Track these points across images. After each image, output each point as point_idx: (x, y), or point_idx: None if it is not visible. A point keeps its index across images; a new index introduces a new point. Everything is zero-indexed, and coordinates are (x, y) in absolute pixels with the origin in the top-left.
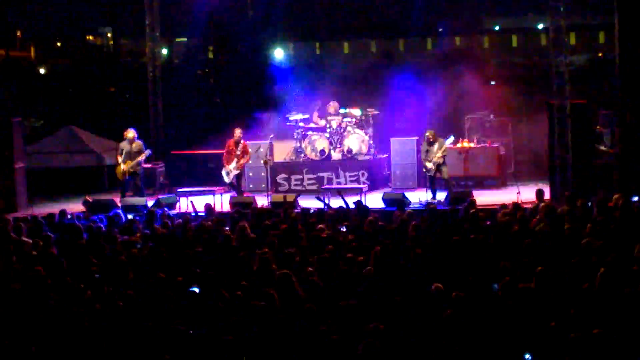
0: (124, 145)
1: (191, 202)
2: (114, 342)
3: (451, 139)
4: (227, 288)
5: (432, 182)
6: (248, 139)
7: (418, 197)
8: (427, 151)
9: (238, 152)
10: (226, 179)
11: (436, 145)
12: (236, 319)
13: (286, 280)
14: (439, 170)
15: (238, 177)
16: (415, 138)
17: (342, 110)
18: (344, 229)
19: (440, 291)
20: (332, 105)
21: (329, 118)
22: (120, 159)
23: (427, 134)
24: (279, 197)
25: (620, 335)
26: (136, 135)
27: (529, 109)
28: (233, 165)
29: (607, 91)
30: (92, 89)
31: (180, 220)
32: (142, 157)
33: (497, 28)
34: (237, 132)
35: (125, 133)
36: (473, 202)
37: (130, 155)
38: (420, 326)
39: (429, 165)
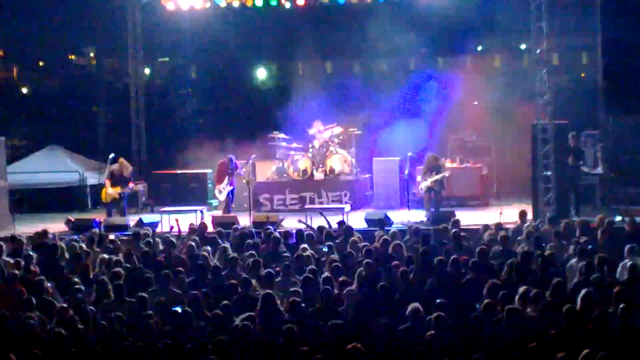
0: (116, 168)
1: (176, 220)
2: None
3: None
4: (209, 308)
5: (425, 201)
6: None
7: (400, 216)
8: (425, 173)
9: (229, 171)
10: (220, 197)
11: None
12: (218, 339)
13: (269, 300)
14: (433, 192)
15: (232, 194)
16: (398, 158)
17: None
18: (326, 249)
19: (417, 312)
20: (316, 126)
21: (312, 137)
22: (108, 182)
23: (430, 156)
24: (261, 217)
25: (604, 356)
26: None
27: (512, 129)
28: (224, 183)
29: (590, 112)
30: (74, 109)
31: (162, 239)
32: (130, 185)
33: (479, 49)
34: (229, 156)
35: (120, 158)
36: (457, 222)
37: (121, 180)
38: (403, 346)
39: (423, 185)
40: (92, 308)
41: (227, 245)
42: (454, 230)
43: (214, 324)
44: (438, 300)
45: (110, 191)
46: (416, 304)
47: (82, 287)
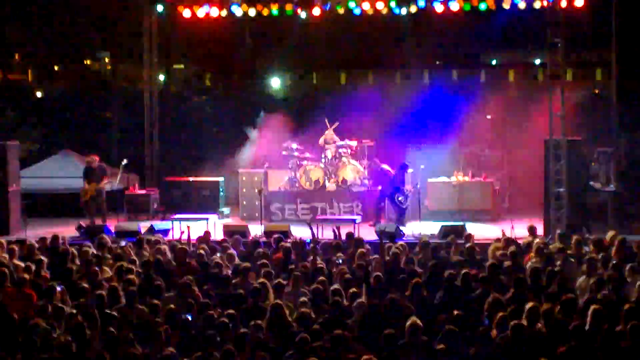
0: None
1: (187, 228)
2: None
3: None
4: (219, 316)
5: None
6: (242, 168)
7: (411, 229)
8: None
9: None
10: None
11: None
12: (228, 348)
13: (277, 311)
14: None
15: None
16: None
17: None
18: (340, 261)
19: (416, 326)
20: (328, 134)
21: (325, 147)
22: (85, 181)
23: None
24: (272, 227)
25: None
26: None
27: (525, 144)
28: None
29: (603, 128)
30: (88, 114)
31: (173, 247)
32: (105, 181)
33: (494, 62)
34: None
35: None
36: (469, 236)
37: (93, 175)
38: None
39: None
40: (105, 312)
41: (234, 252)
42: (466, 244)
43: (222, 333)
44: (456, 312)
45: (87, 187)
46: (415, 319)
47: (92, 293)
